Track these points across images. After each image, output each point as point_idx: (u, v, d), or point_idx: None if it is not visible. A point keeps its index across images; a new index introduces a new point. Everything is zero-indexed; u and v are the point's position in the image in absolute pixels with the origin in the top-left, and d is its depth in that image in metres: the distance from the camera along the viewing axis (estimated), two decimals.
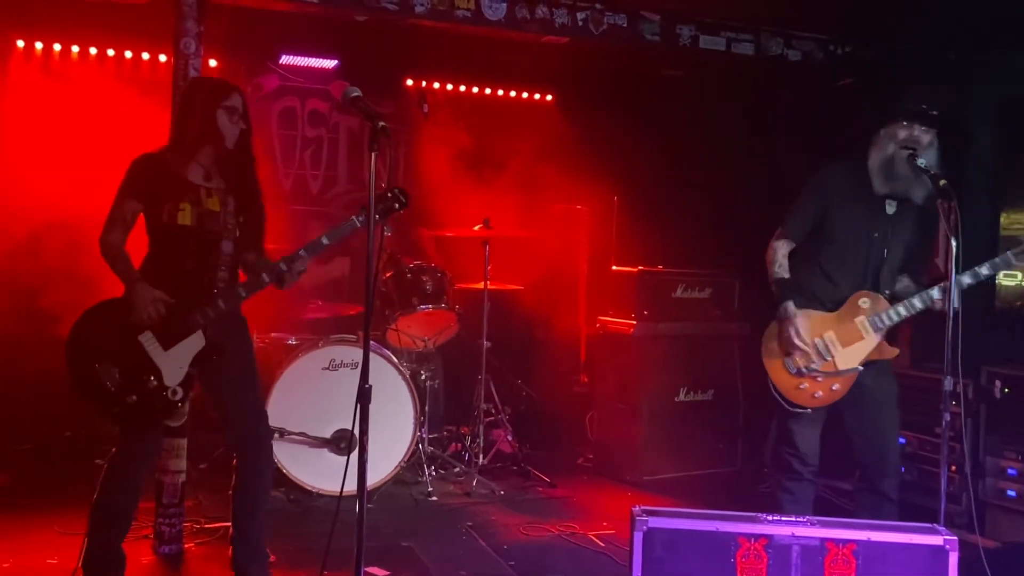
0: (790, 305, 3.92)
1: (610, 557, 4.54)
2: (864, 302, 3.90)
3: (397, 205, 3.60)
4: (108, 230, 3.67)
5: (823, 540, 3.33)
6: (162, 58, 6.30)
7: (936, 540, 3.31)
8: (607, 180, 6.89)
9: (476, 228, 5.80)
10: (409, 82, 7.13)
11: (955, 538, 3.31)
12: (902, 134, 3.84)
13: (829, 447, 4.11)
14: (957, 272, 3.62)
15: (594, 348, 6.67)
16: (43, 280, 5.70)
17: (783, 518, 3.40)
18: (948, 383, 3.61)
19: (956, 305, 3.60)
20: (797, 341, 3.88)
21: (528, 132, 7.23)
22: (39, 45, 6.14)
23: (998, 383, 4.85)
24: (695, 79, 6.61)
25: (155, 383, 3.59)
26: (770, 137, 6.11)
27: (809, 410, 3.96)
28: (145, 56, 6.36)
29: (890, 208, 3.94)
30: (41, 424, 5.88)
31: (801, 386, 3.93)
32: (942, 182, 3.68)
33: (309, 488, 5.12)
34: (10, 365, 5.60)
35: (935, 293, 3.80)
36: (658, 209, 6.86)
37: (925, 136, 3.83)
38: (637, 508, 3.44)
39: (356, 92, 3.15)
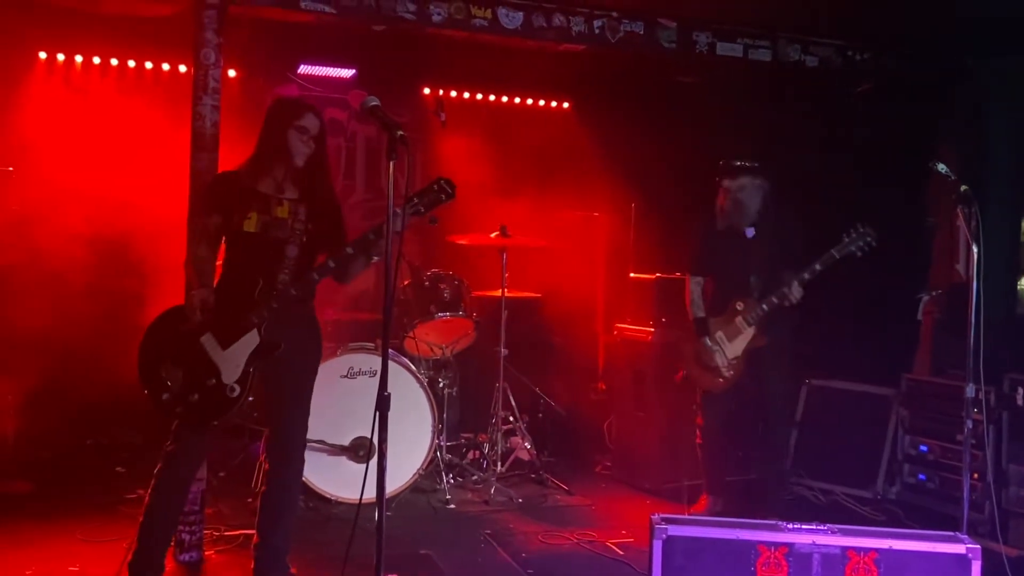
0: (707, 340, 5.09)
1: (629, 565, 4.52)
2: (739, 305, 5.03)
3: (444, 196, 3.65)
4: (190, 244, 4.01)
5: (844, 548, 3.31)
6: (182, 69, 6.35)
7: (959, 548, 3.28)
8: (624, 187, 6.89)
9: (493, 236, 5.80)
10: (426, 90, 7.15)
11: (978, 546, 3.28)
12: (724, 183, 5.09)
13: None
14: (979, 278, 3.60)
15: (612, 355, 6.65)
16: (65, 290, 5.75)
17: (804, 526, 3.38)
18: (970, 390, 3.59)
19: (973, 307, 3.58)
20: (718, 361, 5.08)
21: (545, 140, 7.24)
22: (61, 57, 6.21)
23: (1020, 390, 4.81)
24: (712, 86, 6.60)
25: (214, 382, 3.72)
26: (788, 144, 6.09)
27: (719, 392, 5.13)
28: (165, 67, 6.42)
29: (749, 233, 5.05)
30: (62, 432, 5.93)
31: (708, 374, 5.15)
32: (963, 188, 3.67)
33: (328, 496, 5.13)
34: (33, 374, 5.64)
35: (786, 289, 4.85)
36: (676, 216, 6.84)
37: (739, 183, 5.01)
38: (656, 516, 3.43)
39: (374, 101, 3.18)
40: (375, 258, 3.82)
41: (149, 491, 3.82)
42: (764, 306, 4.94)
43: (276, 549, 3.94)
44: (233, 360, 3.74)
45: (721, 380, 5.10)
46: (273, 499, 3.94)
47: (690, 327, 5.22)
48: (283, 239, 3.83)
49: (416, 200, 3.66)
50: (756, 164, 5.05)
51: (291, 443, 3.97)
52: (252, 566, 3.97)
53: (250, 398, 3.81)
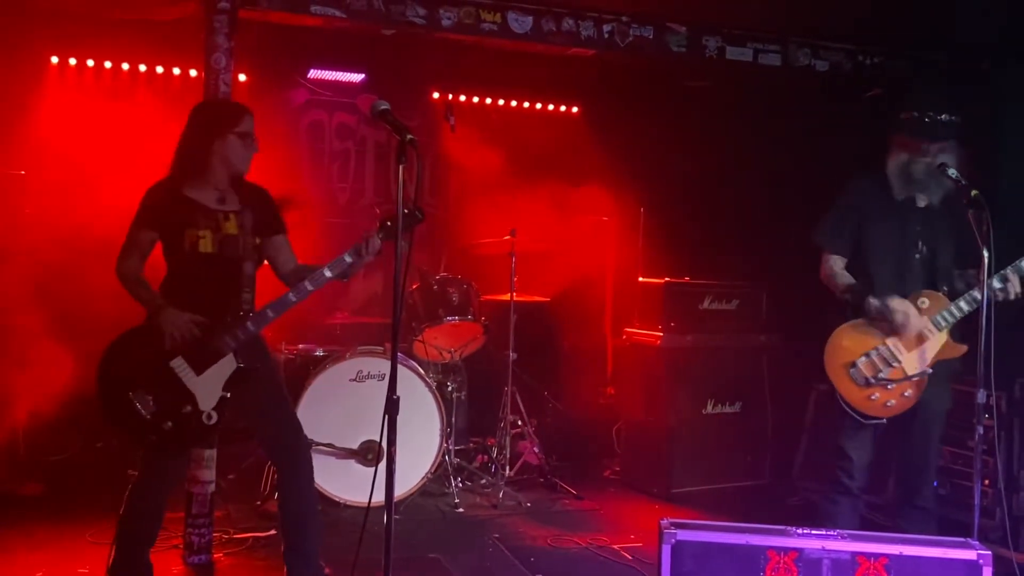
0: (873, 300, 3.81)
1: (638, 570, 4.51)
2: (923, 302, 3.82)
3: (414, 221, 3.57)
4: (124, 257, 3.71)
5: (854, 554, 3.29)
6: (192, 73, 6.38)
7: (970, 555, 3.26)
8: (633, 191, 6.89)
9: (502, 239, 5.81)
10: (435, 95, 7.17)
11: (989, 552, 3.26)
12: (911, 144, 3.86)
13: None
14: (989, 283, 3.58)
15: (621, 360, 6.65)
16: (76, 294, 5.77)
17: (813, 531, 3.36)
18: (981, 396, 3.56)
19: (984, 313, 3.55)
20: (913, 320, 3.76)
21: (554, 144, 7.24)
22: (73, 61, 6.25)
23: None
24: (722, 90, 6.59)
25: (190, 409, 3.61)
26: (797, 148, 6.08)
27: (884, 421, 3.85)
28: (176, 71, 6.44)
29: (921, 202, 3.92)
30: (73, 435, 5.95)
31: (872, 396, 3.83)
32: (974, 192, 3.64)
33: (336, 499, 5.14)
34: (43, 378, 5.67)
35: (995, 283, 3.69)
36: (685, 220, 6.84)
37: (932, 147, 3.81)
38: (665, 521, 3.42)
39: (384, 105, 3.18)
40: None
41: (120, 516, 3.69)
42: (963, 304, 3.78)
43: (307, 553, 3.90)
44: (209, 386, 3.61)
45: (893, 404, 3.84)
46: (292, 507, 3.88)
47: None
48: (239, 257, 3.70)
49: (390, 224, 3.60)
50: (956, 118, 3.83)
51: (293, 448, 3.89)
52: (284, 572, 3.92)
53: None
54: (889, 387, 3.81)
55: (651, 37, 5.38)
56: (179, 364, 3.61)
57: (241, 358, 3.67)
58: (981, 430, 3.60)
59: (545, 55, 5.58)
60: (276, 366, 3.99)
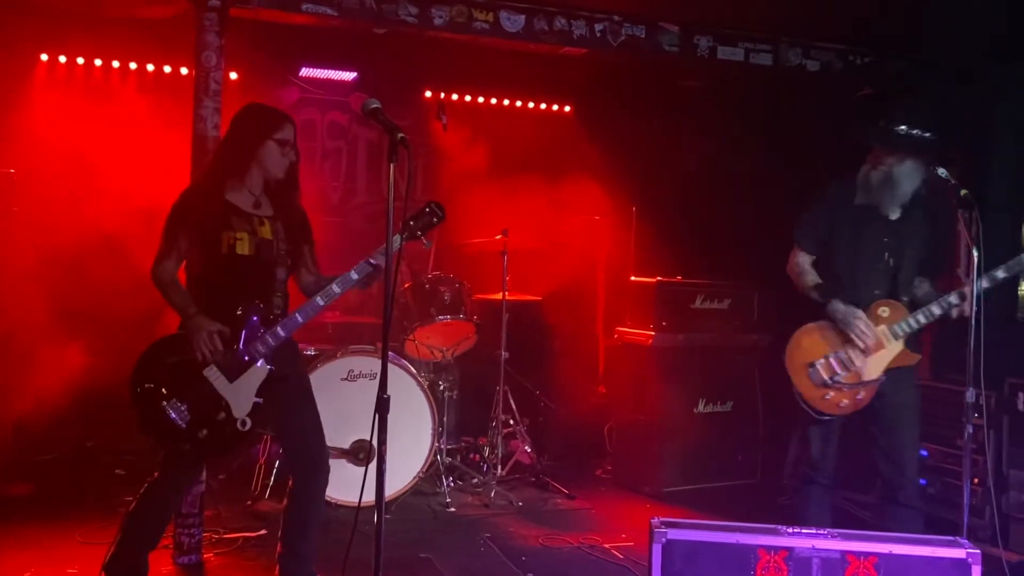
0: (839, 306, 3.92)
1: (629, 569, 4.51)
2: (883, 311, 3.93)
3: (435, 219, 3.66)
4: (160, 260, 3.65)
5: (844, 552, 3.31)
6: (183, 71, 6.36)
7: (959, 553, 3.28)
8: (625, 191, 6.90)
9: (494, 238, 5.81)
10: (428, 93, 7.16)
11: (978, 551, 3.28)
12: (877, 151, 3.95)
13: (849, 460, 4.12)
14: (979, 282, 3.60)
15: (612, 359, 6.65)
16: (70, 292, 5.76)
17: (803, 530, 3.37)
18: (970, 395, 3.58)
19: (974, 311, 3.58)
20: (865, 331, 3.87)
21: (546, 143, 7.24)
22: (63, 59, 6.22)
23: (1021, 395, 4.81)
24: (713, 90, 6.60)
25: (224, 416, 3.60)
26: (789, 148, 6.09)
27: (834, 417, 4.00)
28: (167, 69, 6.42)
29: (894, 215, 3.98)
30: (63, 435, 5.93)
31: (826, 396, 3.96)
32: (963, 192, 3.66)
33: (328, 499, 5.11)
34: (33, 377, 5.65)
35: (952, 299, 3.80)
36: (677, 219, 6.85)
37: (889, 158, 3.89)
38: (656, 520, 3.42)
39: (375, 104, 3.17)
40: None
41: (129, 512, 3.69)
42: (920, 317, 3.86)
43: (304, 556, 3.89)
44: (242, 393, 3.61)
45: (845, 404, 3.96)
46: (302, 513, 3.87)
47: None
48: (273, 261, 3.71)
49: (412, 223, 3.65)
50: (929, 134, 3.86)
51: (318, 457, 3.88)
52: (276, 573, 3.91)
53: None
54: (844, 389, 3.95)
55: (643, 36, 5.38)
56: (212, 372, 3.60)
57: (273, 363, 3.67)
58: (970, 429, 3.62)
59: (537, 54, 5.58)
60: (305, 370, 3.99)
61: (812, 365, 3.96)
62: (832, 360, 3.95)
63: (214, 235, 3.63)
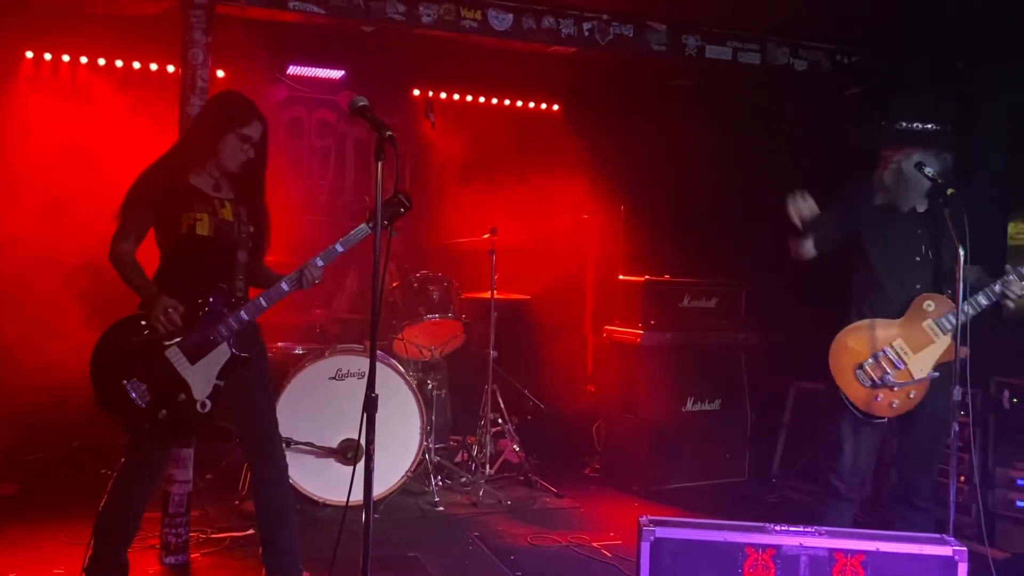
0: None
1: (617, 567, 4.52)
2: (929, 305, 3.83)
3: (402, 209, 3.62)
4: (118, 240, 3.64)
5: (831, 550, 3.31)
6: (170, 69, 6.32)
7: (945, 551, 3.29)
8: (614, 189, 6.90)
9: (483, 237, 5.80)
10: (416, 92, 7.14)
11: (964, 549, 3.29)
12: (884, 152, 3.93)
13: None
14: (965, 280, 3.61)
15: (601, 358, 6.66)
16: (51, 293, 5.71)
17: (791, 528, 3.38)
18: (957, 393, 3.59)
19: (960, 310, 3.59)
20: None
21: (535, 142, 7.24)
22: (48, 56, 6.18)
23: (1007, 393, 4.83)
24: (702, 89, 6.61)
25: (184, 397, 3.60)
26: (777, 147, 6.11)
27: (886, 420, 3.87)
28: (153, 67, 6.38)
29: (921, 207, 3.93)
30: (48, 435, 5.89)
31: (877, 398, 3.83)
32: (949, 191, 3.67)
33: (315, 498, 5.11)
34: (17, 377, 5.61)
35: (997, 287, 3.74)
36: (665, 218, 6.86)
37: (896, 155, 3.87)
38: (644, 518, 3.42)
39: (363, 102, 3.16)
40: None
41: (100, 510, 3.66)
42: (968, 308, 3.73)
43: (285, 550, 3.88)
44: (203, 375, 3.60)
45: (897, 404, 3.83)
46: (269, 500, 3.87)
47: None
48: (233, 243, 3.71)
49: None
50: (930, 125, 3.85)
51: (270, 441, 3.89)
52: (263, 574, 3.89)
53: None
54: (895, 389, 3.81)
55: (631, 35, 5.39)
56: (173, 353, 3.60)
57: (235, 346, 3.68)
58: (957, 427, 3.63)
59: (526, 53, 5.57)
60: (265, 356, 3.98)
61: (861, 367, 3.83)
62: (881, 359, 3.83)
63: (174, 215, 3.63)
